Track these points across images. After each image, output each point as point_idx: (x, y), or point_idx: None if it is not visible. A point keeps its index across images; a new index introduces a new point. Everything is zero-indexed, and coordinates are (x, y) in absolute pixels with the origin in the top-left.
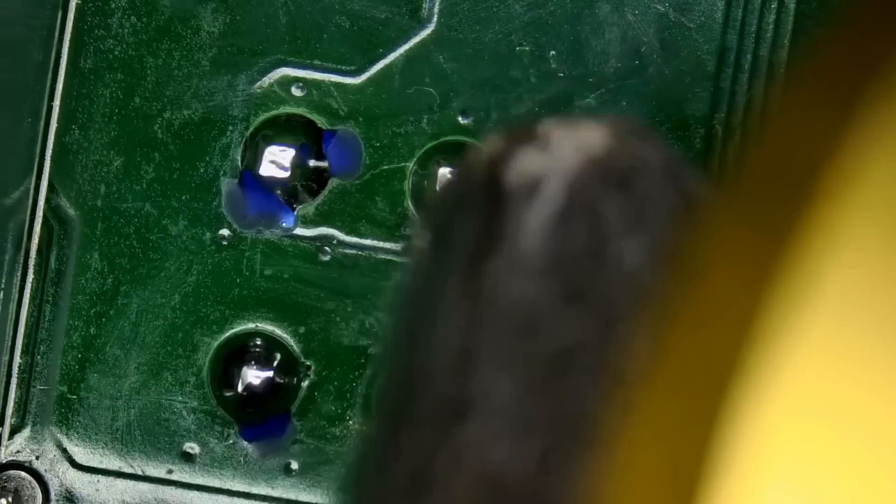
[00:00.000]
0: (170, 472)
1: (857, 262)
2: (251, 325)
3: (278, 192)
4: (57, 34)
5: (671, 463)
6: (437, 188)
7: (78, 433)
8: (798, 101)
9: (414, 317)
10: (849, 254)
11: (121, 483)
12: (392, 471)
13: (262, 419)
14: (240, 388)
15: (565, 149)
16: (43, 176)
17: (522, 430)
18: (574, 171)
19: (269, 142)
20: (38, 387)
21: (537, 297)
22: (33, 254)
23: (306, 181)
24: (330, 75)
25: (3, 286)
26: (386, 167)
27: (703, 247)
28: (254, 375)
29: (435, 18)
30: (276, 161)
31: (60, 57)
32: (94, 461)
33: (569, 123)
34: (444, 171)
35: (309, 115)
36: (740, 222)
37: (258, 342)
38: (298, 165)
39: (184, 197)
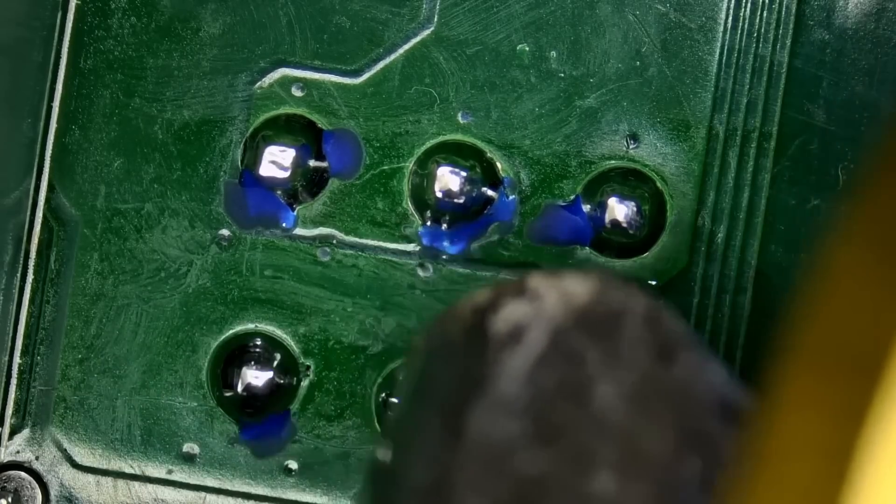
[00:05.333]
0: (170, 472)
1: None
2: (251, 325)
3: (278, 192)
4: (57, 34)
5: None
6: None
7: (78, 433)
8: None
9: (397, 452)
10: None
11: (121, 483)
12: None
13: (261, 419)
14: (240, 388)
15: (550, 299)
16: (43, 176)
17: None
18: (557, 320)
19: (269, 142)
20: (38, 387)
21: (512, 436)
22: (33, 254)
23: (306, 181)
24: (330, 75)
25: (3, 286)
26: (386, 167)
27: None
28: (253, 375)
29: (435, 18)
30: (276, 161)
31: (60, 57)
32: (94, 461)
33: (555, 275)
34: (444, 171)
35: (309, 116)
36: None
37: (258, 342)
38: (298, 166)
39: (184, 197)
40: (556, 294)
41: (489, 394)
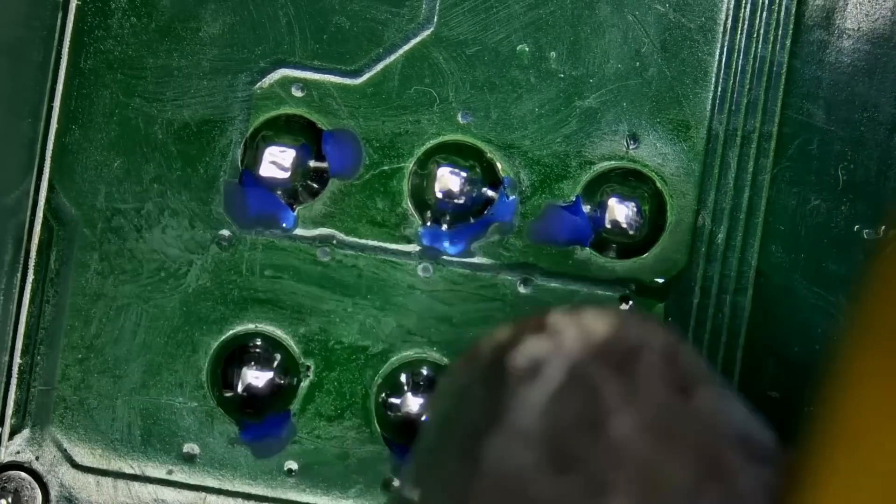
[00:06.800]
0: (170, 472)
1: None
2: (251, 326)
3: (278, 192)
4: (57, 34)
5: None
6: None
7: (78, 434)
8: None
9: (421, 487)
10: None
11: (120, 483)
12: None
13: (261, 419)
14: (240, 389)
15: (568, 334)
16: (43, 176)
17: None
18: (574, 355)
19: (269, 142)
20: (38, 387)
21: (528, 466)
22: (33, 254)
23: (306, 181)
24: (330, 76)
25: (3, 286)
26: (386, 167)
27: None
28: (253, 376)
29: (435, 18)
30: (276, 161)
31: (60, 57)
32: (94, 461)
33: (575, 311)
34: (444, 171)
35: (309, 116)
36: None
37: (258, 342)
38: (298, 166)
39: (184, 197)
40: (575, 330)
41: (506, 425)
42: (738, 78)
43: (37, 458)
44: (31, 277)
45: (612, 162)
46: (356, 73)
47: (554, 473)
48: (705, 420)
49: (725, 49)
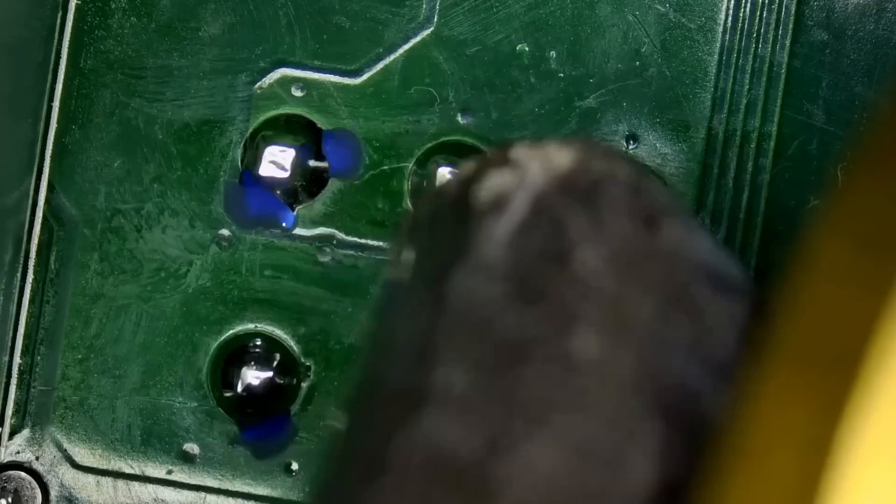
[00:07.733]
0: (170, 472)
1: None
2: (251, 326)
3: (278, 192)
4: (57, 34)
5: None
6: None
7: (78, 434)
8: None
9: (385, 322)
10: None
11: (120, 483)
12: (352, 458)
13: (262, 419)
14: (240, 389)
15: (532, 168)
16: (43, 176)
17: (473, 417)
18: (539, 187)
19: (269, 142)
20: (38, 387)
21: (494, 299)
22: (33, 254)
23: (306, 181)
24: (330, 75)
25: (3, 286)
26: (386, 167)
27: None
28: (253, 376)
29: (435, 18)
30: (276, 161)
31: (60, 57)
32: (94, 461)
33: (538, 145)
34: (444, 171)
35: (309, 116)
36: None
37: (258, 343)
38: (298, 166)
39: (184, 197)
40: (538, 163)
41: (471, 259)
42: (737, 78)
43: (37, 458)
44: (31, 277)
45: None
46: (356, 73)
47: (520, 306)
48: (672, 252)
49: (725, 49)
